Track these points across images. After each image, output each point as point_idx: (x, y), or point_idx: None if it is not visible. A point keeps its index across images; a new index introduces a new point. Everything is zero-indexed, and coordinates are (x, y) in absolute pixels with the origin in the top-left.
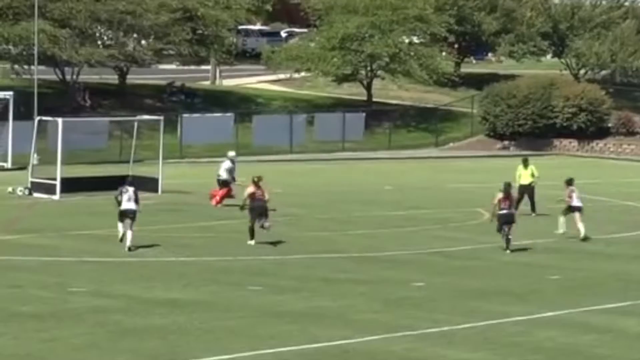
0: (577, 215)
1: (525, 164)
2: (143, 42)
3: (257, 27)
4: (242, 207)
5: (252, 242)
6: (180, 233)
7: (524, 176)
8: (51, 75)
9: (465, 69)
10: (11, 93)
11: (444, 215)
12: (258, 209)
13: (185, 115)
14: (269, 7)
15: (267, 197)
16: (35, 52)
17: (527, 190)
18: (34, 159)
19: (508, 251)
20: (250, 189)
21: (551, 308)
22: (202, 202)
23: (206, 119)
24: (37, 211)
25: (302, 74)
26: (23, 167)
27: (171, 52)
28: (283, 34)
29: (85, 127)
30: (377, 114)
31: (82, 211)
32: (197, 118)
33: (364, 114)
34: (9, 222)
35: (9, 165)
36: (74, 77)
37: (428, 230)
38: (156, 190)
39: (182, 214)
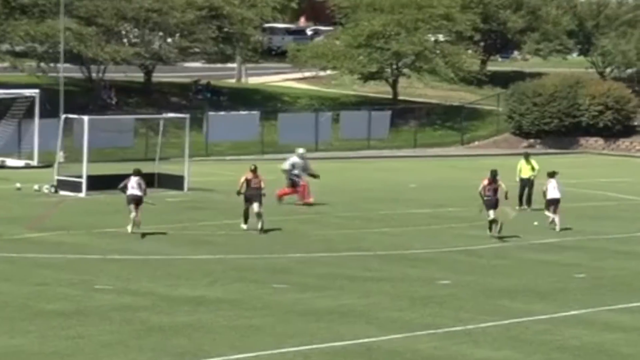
0: (553, 208)
1: (527, 158)
2: (169, 40)
3: (283, 25)
4: (238, 193)
5: (245, 227)
6: (206, 231)
7: (524, 170)
8: (77, 73)
9: (491, 67)
10: (37, 91)
11: (469, 213)
12: (252, 196)
13: (211, 113)
14: (294, 4)
15: (262, 185)
16: (62, 50)
17: (528, 183)
18: (60, 156)
19: (489, 233)
20: (247, 175)
21: (577, 306)
22: (228, 200)
23: (232, 117)
24: (63, 209)
25: (328, 72)
26: (49, 165)
27: (197, 50)
28: (309, 32)
29: (111, 125)
30: (402, 112)
31: (108, 209)
32: (223, 116)
33: (389, 112)
34: (35, 219)
35: (35, 163)
36: (100, 75)
37: (453, 229)
38: (182, 188)
39: (208, 211)
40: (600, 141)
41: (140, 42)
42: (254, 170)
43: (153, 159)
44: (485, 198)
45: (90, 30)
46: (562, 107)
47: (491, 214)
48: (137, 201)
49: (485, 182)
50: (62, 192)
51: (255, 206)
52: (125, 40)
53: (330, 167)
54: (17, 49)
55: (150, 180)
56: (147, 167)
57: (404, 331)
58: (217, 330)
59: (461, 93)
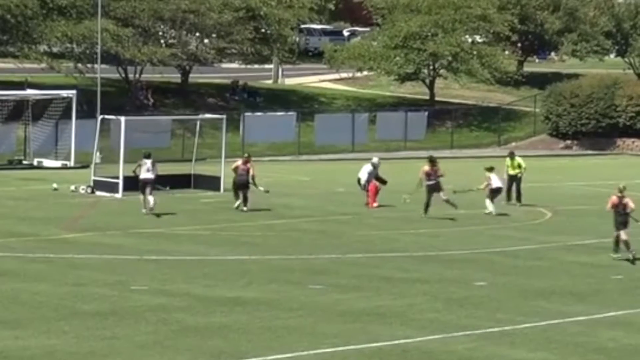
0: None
1: (512, 157)
2: (206, 41)
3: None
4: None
5: (237, 204)
6: (242, 231)
7: (511, 168)
8: (114, 74)
9: (528, 68)
10: (74, 92)
11: (506, 214)
12: (239, 182)
13: (247, 114)
14: (331, 6)
15: (251, 172)
16: (99, 50)
17: (515, 180)
18: (96, 157)
19: (423, 215)
20: (236, 163)
21: (614, 308)
22: (264, 201)
23: (268, 117)
24: (99, 209)
25: (365, 73)
26: (86, 166)
27: (234, 51)
28: (345, 33)
29: (147, 126)
30: (439, 113)
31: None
32: (260, 117)
33: (426, 113)
34: (72, 220)
35: (72, 163)
36: (137, 75)
37: (490, 230)
38: (218, 189)
39: (244, 212)
40: (638, 142)
41: (177, 43)
42: (247, 158)
43: (189, 160)
44: (428, 183)
45: (128, 31)
46: (599, 108)
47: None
48: (151, 184)
49: (426, 168)
50: (98, 193)
51: (240, 193)
52: (162, 41)
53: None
54: (55, 49)
55: (186, 181)
56: (183, 168)
57: (440, 332)
58: (254, 330)
59: (498, 94)
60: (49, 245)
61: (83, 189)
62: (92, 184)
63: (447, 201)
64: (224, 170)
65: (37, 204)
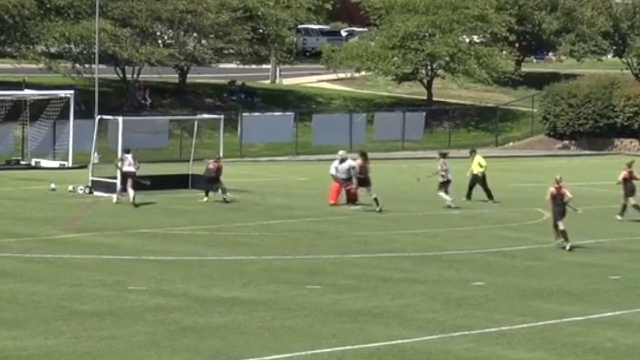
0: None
1: (472, 154)
2: (203, 41)
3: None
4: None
5: (205, 199)
6: (239, 232)
7: (473, 166)
8: (112, 74)
9: (525, 68)
10: (72, 92)
11: (504, 214)
12: (208, 177)
13: (245, 114)
14: (329, 6)
15: (218, 169)
16: (97, 51)
17: (477, 179)
18: (94, 157)
19: (378, 209)
20: (209, 161)
21: (611, 308)
22: (261, 201)
23: (266, 118)
24: (97, 210)
25: (362, 73)
26: (84, 166)
27: (231, 51)
28: (343, 33)
29: (145, 126)
30: (437, 113)
31: (142, 209)
32: (257, 117)
33: (424, 113)
34: (70, 220)
35: (69, 163)
36: (135, 76)
37: (487, 230)
38: (216, 189)
39: (242, 212)
40: (635, 142)
41: (175, 43)
42: (217, 158)
43: (187, 160)
44: (359, 176)
45: (125, 31)
46: (596, 109)
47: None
48: (133, 177)
49: (360, 161)
50: (96, 193)
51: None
52: (159, 41)
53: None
54: (52, 50)
55: (184, 181)
56: (181, 168)
57: (437, 332)
58: (251, 331)
59: (496, 94)
60: (47, 246)
61: (81, 189)
62: (90, 184)
63: (375, 199)
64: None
65: (34, 204)
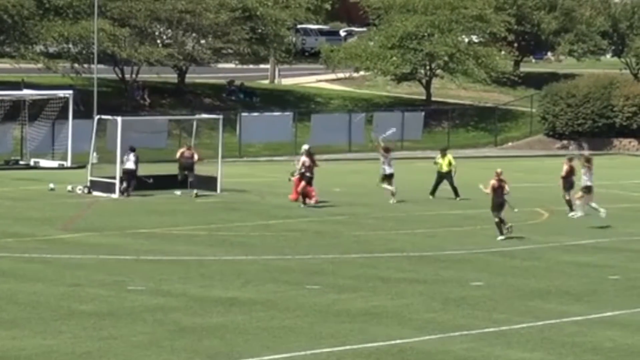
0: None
1: (443, 153)
2: (202, 41)
3: (316, 26)
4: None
5: (178, 193)
6: (239, 232)
7: (443, 164)
8: (110, 74)
9: (524, 68)
10: (71, 92)
11: (503, 214)
12: (185, 164)
13: (244, 114)
14: (328, 6)
15: (195, 157)
16: (95, 51)
17: (446, 176)
18: (93, 157)
19: (302, 205)
20: (181, 150)
21: (611, 308)
22: (261, 201)
23: (265, 118)
24: (96, 210)
25: (361, 73)
26: (82, 166)
27: (230, 51)
28: (342, 33)
29: (144, 126)
30: (436, 113)
31: (141, 209)
32: (256, 117)
33: (422, 113)
34: (69, 220)
35: (68, 163)
36: (133, 76)
37: (486, 230)
38: (215, 189)
39: (241, 212)
40: (634, 142)
41: (174, 43)
42: (189, 147)
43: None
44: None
45: (124, 31)
46: (595, 108)
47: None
48: (130, 174)
49: (304, 159)
50: (95, 193)
51: (189, 174)
52: (158, 41)
53: (363, 168)
54: (51, 50)
55: (182, 181)
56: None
57: (436, 332)
58: (250, 331)
59: (495, 94)
60: (46, 246)
61: (80, 189)
62: (88, 184)
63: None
64: (221, 171)
65: (33, 204)
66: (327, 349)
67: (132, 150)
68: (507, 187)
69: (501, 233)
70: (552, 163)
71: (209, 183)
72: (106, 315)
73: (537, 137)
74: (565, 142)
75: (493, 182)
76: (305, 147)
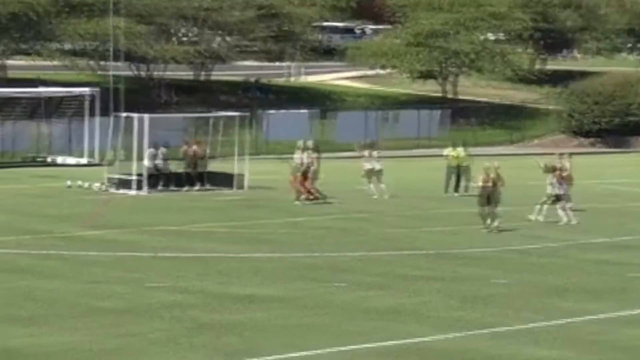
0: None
1: (455, 147)
2: (227, 38)
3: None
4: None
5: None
6: (264, 229)
7: (455, 157)
8: (131, 71)
9: (550, 66)
10: (96, 89)
11: (523, 212)
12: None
13: (268, 111)
14: (353, 3)
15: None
16: (121, 48)
17: (458, 170)
18: (111, 154)
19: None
20: (193, 146)
21: (631, 306)
22: (286, 198)
23: (288, 115)
24: (114, 207)
25: (386, 70)
26: (101, 163)
27: (255, 48)
28: (368, 31)
29: (163, 124)
30: (461, 111)
31: (160, 207)
32: (279, 114)
33: (448, 111)
34: (87, 217)
35: (90, 160)
36: (154, 73)
37: (505, 228)
38: (233, 186)
39: (266, 210)
40: None
41: (198, 40)
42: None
43: (208, 157)
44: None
45: (150, 29)
46: (622, 106)
47: None
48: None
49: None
50: (113, 190)
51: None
52: (183, 38)
53: (386, 165)
54: (71, 47)
55: (201, 178)
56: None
57: (455, 330)
58: (269, 328)
59: (520, 92)
60: (64, 243)
61: (98, 187)
62: (107, 181)
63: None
64: (246, 168)
65: (52, 202)
66: (345, 347)
67: (156, 146)
68: (501, 182)
69: (485, 224)
70: (577, 160)
71: (229, 180)
72: (124, 312)
73: (562, 134)
74: (591, 139)
75: (492, 176)
76: (301, 143)
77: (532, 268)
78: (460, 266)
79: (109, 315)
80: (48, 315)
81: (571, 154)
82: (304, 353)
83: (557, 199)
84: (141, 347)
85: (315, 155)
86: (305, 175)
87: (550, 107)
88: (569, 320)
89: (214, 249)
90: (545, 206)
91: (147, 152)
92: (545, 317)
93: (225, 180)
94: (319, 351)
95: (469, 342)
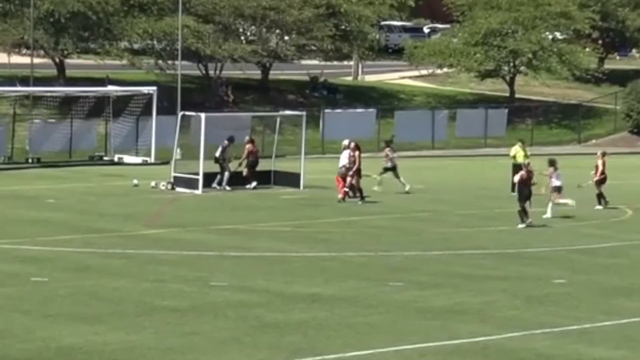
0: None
1: (522, 144)
2: (286, 37)
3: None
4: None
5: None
6: (321, 228)
7: (519, 155)
8: (194, 70)
9: (609, 65)
10: (155, 88)
11: (586, 212)
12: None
13: (327, 110)
14: (412, 2)
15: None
16: (180, 47)
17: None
18: (176, 153)
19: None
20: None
21: None
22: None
23: (348, 114)
24: (179, 206)
25: (445, 69)
26: (166, 162)
27: (313, 47)
28: (426, 30)
29: (227, 122)
30: (519, 110)
31: (224, 206)
32: (339, 113)
33: (506, 110)
34: (152, 216)
35: (152, 159)
36: (217, 72)
37: (570, 227)
38: (298, 186)
39: (323, 209)
40: None
41: (258, 39)
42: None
43: (269, 157)
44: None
45: (208, 27)
46: None
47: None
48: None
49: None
50: (178, 189)
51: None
52: (242, 37)
53: (446, 165)
54: (136, 46)
55: (266, 177)
56: (263, 165)
57: (519, 330)
58: (332, 327)
59: (578, 91)
60: (129, 241)
61: (163, 185)
62: (172, 180)
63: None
64: (304, 167)
65: (117, 200)
66: (408, 346)
67: (230, 140)
68: (534, 179)
69: (522, 221)
70: (636, 160)
71: (291, 179)
72: (189, 310)
73: (621, 134)
74: None
75: (522, 173)
76: (345, 142)
77: (598, 268)
78: (526, 265)
79: (174, 314)
80: (113, 313)
81: (604, 153)
82: (366, 352)
83: (558, 190)
84: (206, 345)
85: (356, 153)
86: (344, 175)
87: (609, 106)
88: (634, 320)
89: (278, 248)
90: (551, 203)
91: (222, 144)
92: (610, 317)
93: (289, 179)
94: (382, 350)
95: (533, 342)
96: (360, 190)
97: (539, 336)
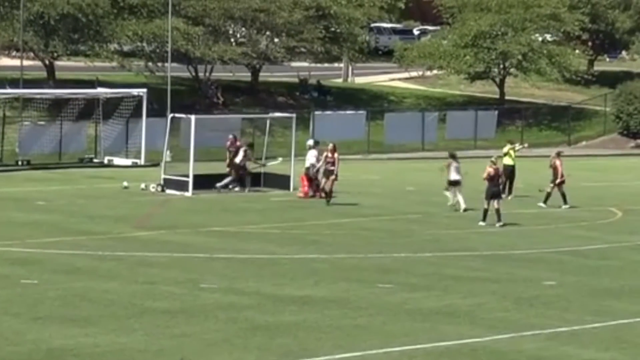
0: (456, 189)
1: (513, 146)
2: (276, 39)
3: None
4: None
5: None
6: (311, 230)
7: (508, 158)
8: (184, 72)
9: (598, 67)
10: (145, 90)
11: (576, 213)
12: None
13: (317, 112)
14: (401, 4)
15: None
16: (169, 49)
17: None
18: (166, 155)
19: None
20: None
21: None
22: (333, 199)
23: (338, 116)
24: (169, 208)
25: (435, 71)
26: (156, 164)
27: (303, 49)
28: (415, 32)
29: (217, 125)
30: (509, 112)
31: (214, 208)
32: (329, 115)
33: (496, 112)
34: (142, 218)
35: (142, 162)
36: (207, 74)
37: (559, 229)
38: (288, 188)
39: (313, 211)
40: None
41: (247, 41)
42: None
43: (260, 158)
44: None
45: (198, 29)
46: None
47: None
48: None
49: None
50: (168, 191)
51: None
52: (232, 39)
53: (436, 166)
54: (125, 48)
55: (256, 179)
56: (253, 167)
57: (509, 331)
58: (323, 329)
59: (568, 93)
60: (119, 244)
61: (153, 188)
62: (162, 182)
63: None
64: (294, 169)
65: (107, 202)
66: (398, 348)
67: (249, 146)
68: (503, 177)
69: (484, 219)
70: (625, 162)
71: (281, 181)
72: (179, 313)
73: (610, 136)
74: (639, 141)
75: (490, 170)
76: (310, 142)
77: (588, 270)
78: (516, 267)
79: (164, 315)
80: (103, 315)
81: (559, 152)
82: (356, 354)
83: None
84: (196, 347)
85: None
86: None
87: (598, 108)
88: (624, 322)
89: (268, 250)
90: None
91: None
92: (600, 319)
93: (279, 181)
94: (372, 352)
95: (523, 344)
96: (330, 193)
97: (529, 338)
